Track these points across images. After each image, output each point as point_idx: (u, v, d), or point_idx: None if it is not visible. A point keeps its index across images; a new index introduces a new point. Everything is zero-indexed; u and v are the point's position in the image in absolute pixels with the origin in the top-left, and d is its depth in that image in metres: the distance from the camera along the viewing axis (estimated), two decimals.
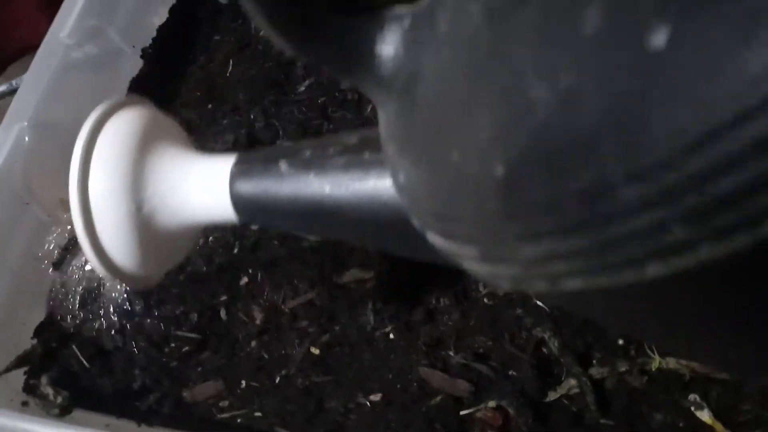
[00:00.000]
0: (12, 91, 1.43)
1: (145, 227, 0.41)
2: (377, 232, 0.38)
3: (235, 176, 0.40)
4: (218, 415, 0.58)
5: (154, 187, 0.41)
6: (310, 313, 0.62)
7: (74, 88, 0.64)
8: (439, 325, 0.61)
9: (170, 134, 0.46)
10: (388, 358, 0.59)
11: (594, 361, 0.59)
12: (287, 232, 0.62)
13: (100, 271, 0.41)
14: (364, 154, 0.36)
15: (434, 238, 0.27)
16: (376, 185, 0.35)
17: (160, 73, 0.75)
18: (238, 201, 0.40)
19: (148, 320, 0.60)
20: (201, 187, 0.41)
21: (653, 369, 0.58)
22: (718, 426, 0.55)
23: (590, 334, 0.61)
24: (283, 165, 0.39)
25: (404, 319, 0.61)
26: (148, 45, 0.76)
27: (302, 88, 0.76)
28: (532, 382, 0.57)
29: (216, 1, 0.81)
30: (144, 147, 0.41)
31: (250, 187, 0.40)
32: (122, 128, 0.41)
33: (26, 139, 0.58)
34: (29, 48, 1.48)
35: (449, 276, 0.64)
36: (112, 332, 0.60)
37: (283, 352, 0.60)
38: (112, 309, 0.61)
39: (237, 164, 0.41)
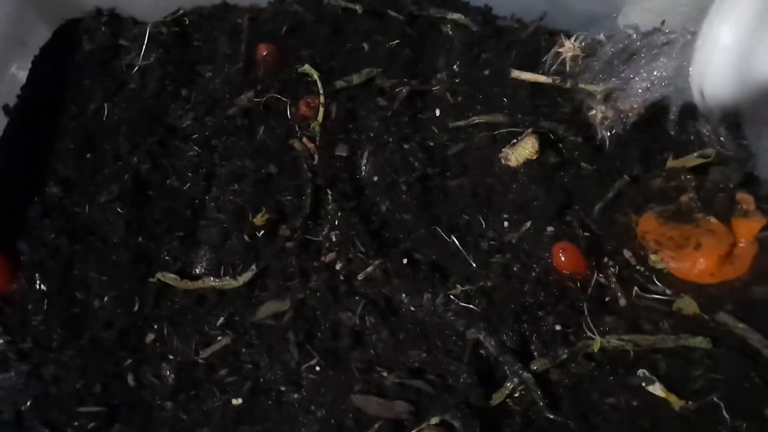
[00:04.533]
0: None
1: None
2: None
3: None
4: None
5: None
6: (227, 360, 0.57)
7: None
8: (368, 346, 0.57)
9: None
10: (319, 392, 0.54)
11: (535, 354, 0.56)
12: None
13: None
14: None
15: None
16: None
17: (29, 130, 0.69)
18: None
19: (46, 403, 0.53)
20: None
21: (595, 350, 0.55)
22: (672, 398, 0.52)
23: (527, 325, 0.57)
24: None
25: (331, 348, 0.57)
26: (12, 103, 0.70)
27: (187, 122, 0.71)
28: (474, 389, 0.53)
29: (81, 45, 0.75)
30: None
31: None
32: None
33: None
34: None
35: (373, 290, 0.60)
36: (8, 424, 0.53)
37: (204, 408, 0.55)
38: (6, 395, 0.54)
39: None
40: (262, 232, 0.62)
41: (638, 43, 0.78)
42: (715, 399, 0.53)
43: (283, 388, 0.55)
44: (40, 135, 0.69)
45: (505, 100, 0.71)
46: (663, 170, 0.67)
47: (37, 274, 0.60)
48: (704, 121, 0.73)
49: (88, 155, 0.68)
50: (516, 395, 0.54)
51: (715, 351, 0.55)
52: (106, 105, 0.71)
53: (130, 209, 0.64)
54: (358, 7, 0.75)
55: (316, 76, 0.70)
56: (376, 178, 0.67)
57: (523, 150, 0.65)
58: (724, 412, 0.52)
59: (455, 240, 0.61)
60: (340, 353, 0.56)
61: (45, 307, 0.59)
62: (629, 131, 0.70)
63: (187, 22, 0.77)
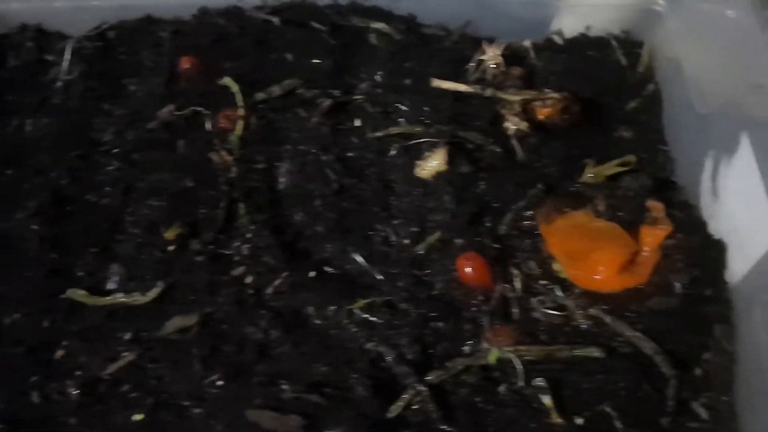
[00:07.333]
0: None
1: None
2: None
3: None
4: None
5: None
6: (132, 375, 0.57)
7: None
8: (271, 360, 0.57)
9: None
10: (219, 407, 0.55)
11: (435, 366, 0.57)
12: None
13: None
14: None
15: None
16: None
17: None
18: None
19: None
20: None
21: (491, 361, 0.56)
22: (554, 413, 0.53)
23: (428, 338, 0.58)
24: None
25: (235, 362, 0.57)
26: None
27: (109, 136, 0.71)
28: (371, 401, 0.54)
29: (7, 60, 0.76)
30: None
31: None
32: None
33: None
34: None
35: (281, 304, 0.60)
36: None
37: (107, 423, 0.55)
38: None
39: None
40: (174, 246, 0.63)
41: (564, 50, 0.79)
42: (606, 409, 0.54)
43: (186, 403, 0.55)
44: None
45: (426, 109, 0.72)
46: (579, 178, 0.67)
47: None
48: (627, 127, 0.74)
49: (9, 171, 0.69)
50: (415, 407, 0.55)
51: (608, 361, 0.55)
52: (29, 120, 0.72)
53: (47, 225, 0.65)
54: (275, 19, 0.76)
55: (235, 88, 0.71)
56: (292, 190, 0.68)
57: (434, 162, 0.66)
58: (617, 422, 0.53)
59: (358, 256, 0.62)
60: (245, 367, 0.57)
61: None
62: (548, 140, 0.70)
63: (112, 35, 0.77)
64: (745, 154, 0.58)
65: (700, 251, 0.61)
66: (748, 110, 0.58)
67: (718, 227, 0.62)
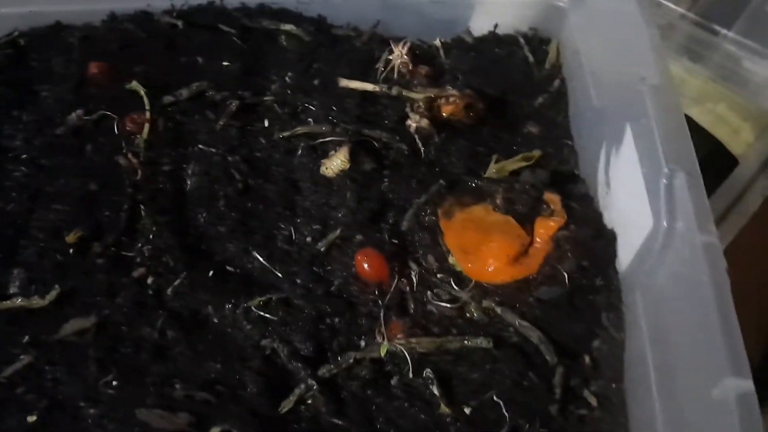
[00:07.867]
0: None
1: None
2: None
3: None
4: None
5: None
6: (28, 378, 0.58)
7: None
8: (167, 360, 0.58)
9: None
10: (112, 408, 0.55)
11: (329, 360, 0.57)
12: None
13: None
14: None
15: None
16: None
17: None
18: None
19: None
20: None
21: (382, 354, 0.57)
22: (442, 402, 0.54)
23: (323, 333, 0.59)
24: None
25: (131, 363, 0.58)
26: None
27: (17, 143, 0.71)
28: (260, 398, 0.55)
29: None
30: None
31: None
32: None
33: None
34: None
35: (180, 304, 0.61)
36: None
37: (4, 426, 0.56)
38: None
39: None
40: (75, 249, 0.63)
41: (472, 49, 0.80)
42: (494, 398, 0.55)
43: (80, 404, 0.56)
44: None
45: (334, 109, 0.72)
46: (483, 174, 0.69)
47: None
48: (534, 123, 0.75)
49: None
50: (309, 402, 0.56)
51: (495, 351, 0.56)
52: None
53: None
54: (184, 23, 0.77)
55: (142, 92, 0.71)
56: (197, 192, 0.68)
57: (337, 160, 0.67)
58: (504, 411, 0.54)
59: (257, 255, 0.63)
60: (140, 367, 0.57)
61: None
62: (455, 137, 0.71)
63: (23, 43, 0.77)
64: (628, 145, 0.59)
65: (592, 242, 0.62)
66: (632, 102, 0.60)
67: (611, 218, 0.64)
